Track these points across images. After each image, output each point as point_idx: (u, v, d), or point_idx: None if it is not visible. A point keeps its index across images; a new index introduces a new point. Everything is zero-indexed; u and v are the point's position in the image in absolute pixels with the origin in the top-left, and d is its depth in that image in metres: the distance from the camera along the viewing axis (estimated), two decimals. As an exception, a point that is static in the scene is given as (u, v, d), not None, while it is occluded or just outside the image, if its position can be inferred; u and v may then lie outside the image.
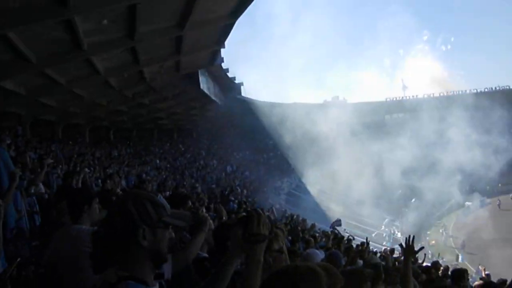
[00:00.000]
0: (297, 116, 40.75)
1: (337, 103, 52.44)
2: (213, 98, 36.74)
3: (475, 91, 56.26)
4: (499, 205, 45.59)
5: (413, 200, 45.30)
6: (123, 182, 18.18)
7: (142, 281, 1.96)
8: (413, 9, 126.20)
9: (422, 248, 4.98)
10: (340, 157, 40.49)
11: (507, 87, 57.03)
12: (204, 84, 32.91)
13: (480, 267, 20.93)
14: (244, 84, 42.12)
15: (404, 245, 4.47)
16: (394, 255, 16.98)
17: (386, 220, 43.22)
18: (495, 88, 57.15)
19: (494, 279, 10.73)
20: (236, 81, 40.65)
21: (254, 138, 48.69)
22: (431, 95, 56.97)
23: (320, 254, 8.51)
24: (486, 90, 56.63)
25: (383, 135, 46.37)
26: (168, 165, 35.66)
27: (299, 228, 18.10)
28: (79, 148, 27.76)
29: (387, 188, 43.67)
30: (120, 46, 19.91)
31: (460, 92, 56.58)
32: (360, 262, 7.95)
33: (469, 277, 9.19)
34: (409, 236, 4.45)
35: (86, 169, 12.87)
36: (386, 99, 59.22)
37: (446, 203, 46.88)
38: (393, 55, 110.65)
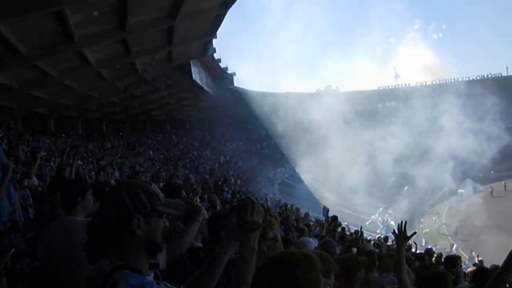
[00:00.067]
0: (289, 105, 40.73)
1: (330, 92, 52.44)
2: (206, 88, 36.67)
3: (467, 79, 56.35)
4: (491, 192, 45.88)
5: (406, 188, 45.49)
6: (117, 174, 18.15)
7: (137, 270, 1.96)
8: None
9: (414, 233, 4.99)
10: (333, 146, 40.61)
11: (499, 75, 57.20)
12: (197, 74, 32.84)
13: (473, 253, 21.09)
14: (236, 74, 42.10)
15: (396, 231, 4.48)
16: (388, 243, 17.09)
17: (380, 209, 43.34)
18: (487, 75, 57.29)
19: (487, 265, 10.82)
20: (229, 72, 40.59)
21: (247, 128, 48.65)
22: (424, 83, 57.07)
23: (313, 242, 8.55)
24: (478, 78, 56.76)
25: (376, 124, 46.55)
26: (161, 156, 35.60)
27: (293, 217, 18.12)
28: (71, 141, 27.66)
29: (380, 176, 43.87)
30: (111, 38, 19.84)
31: (452, 80, 56.65)
32: (354, 250, 8.00)
33: (462, 264, 9.27)
34: (402, 222, 4.46)
35: (79, 161, 12.83)
36: (379, 87, 59.32)
37: (439, 190, 47.11)
38: (385, 43, 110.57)
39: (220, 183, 27.65)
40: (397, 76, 64.59)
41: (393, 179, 47.25)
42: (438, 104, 48.28)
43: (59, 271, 3.62)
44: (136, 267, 1.99)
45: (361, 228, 11.60)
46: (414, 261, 10.26)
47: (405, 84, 58.35)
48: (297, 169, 45.70)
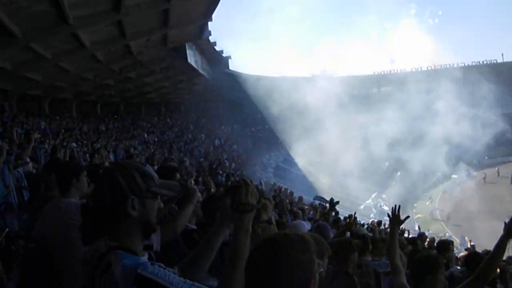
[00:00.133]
0: (285, 89, 40.59)
1: (325, 76, 52.30)
2: (201, 71, 36.52)
3: (463, 65, 56.27)
4: (484, 178, 46.10)
5: (398, 173, 45.68)
6: (111, 157, 18.17)
7: (132, 251, 1.98)
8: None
9: (407, 217, 5.01)
10: (327, 130, 40.57)
11: (495, 61, 57.14)
12: (192, 57, 32.69)
13: (466, 238, 21.25)
14: (231, 57, 41.88)
15: (390, 214, 4.51)
16: (381, 227, 17.21)
17: (374, 194, 43.51)
18: (483, 62, 57.20)
19: (479, 250, 10.91)
20: (224, 55, 40.39)
21: (242, 111, 48.53)
22: (419, 69, 57.00)
23: (306, 225, 8.60)
24: (473, 64, 56.68)
25: (371, 108, 46.49)
26: (156, 139, 35.56)
27: (287, 201, 18.20)
28: (66, 123, 27.59)
29: (374, 161, 43.97)
30: (106, 20, 19.72)
31: (448, 66, 56.51)
32: (347, 233, 8.05)
33: (454, 249, 9.34)
34: (395, 206, 4.48)
35: (74, 144, 12.82)
36: (374, 72, 59.23)
37: (433, 175, 47.30)
38: (381, 28, 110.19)
39: (214, 166, 27.71)
40: (392, 61, 64.57)
41: (387, 163, 47.41)
42: (433, 89, 48.26)
43: (54, 252, 3.63)
44: (131, 248, 2.00)
45: (354, 213, 11.66)
46: (406, 245, 10.33)
47: (401, 69, 58.21)
48: (291, 153, 45.73)
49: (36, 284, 3.81)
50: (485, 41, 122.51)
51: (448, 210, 38.90)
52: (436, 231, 32.09)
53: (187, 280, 1.91)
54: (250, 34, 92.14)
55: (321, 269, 1.78)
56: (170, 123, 43.60)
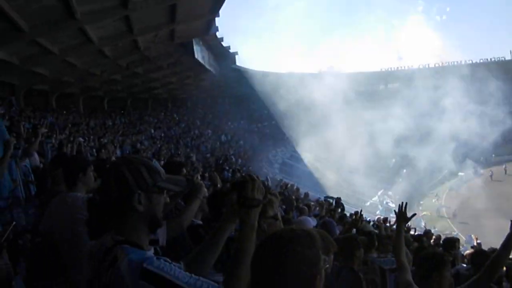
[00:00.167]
0: (291, 85, 40.54)
1: (332, 73, 52.13)
2: (208, 67, 36.55)
3: (471, 62, 55.94)
4: (491, 176, 45.90)
5: (405, 170, 45.53)
6: (118, 152, 18.21)
7: (138, 245, 1.98)
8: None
9: (414, 215, 5.00)
10: (334, 127, 40.48)
11: (503, 59, 56.75)
12: (199, 53, 32.73)
13: (472, 236, 21.16)
14: (238, 53, 41.88)
15: (397, 212, 4.50)
16: (387, 224, 17.16)
17: (380, 191, 43.42)
18: (491, 59, 56.79)
19: (485, 248, 10.88)
20: (231, 51, 40.38)
21: (249, 107, 48.57)
22: (426, 66, 56.69)
23: (312, 222, 8.59)
24: (481, 61, 56.29)
25: (378, 105, 46.31)
26: (163, 135, 35.67)
27: (293, 197, 18.19)
28: (73, 118, 27.68)
29: (381, 158, 43.85)
30: (114, 15, 19.73)
31: (456, 63, 56.20)
32: (353, 230, 8.04)
33: (460, 246, 9.31)
34: (402, 203, 4.47)
35: (80, 139, 12.85)
36: (381, 69, 58.99)
37: (440, 173, 47.11)
38: (388, 25, 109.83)
39: (221, 162, 27.73)
40: (400, 58, 64.31)
41: (393, 160, 47.29)
42: (441, 86, 48.01)
43: (61, 246, 3.65)
44: (137, 242, 2.01)
45: (361, 210, 11.65)
46: (412, 242, 10.31)
47: (408, 66, 57.97)
48: (298, 149, 45.69)
49: (43, 278, 3.83)
50: (493, 38, 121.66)
51: (454, 208, 38.73)
52: (442, 228, 31.99)
53: (193, 275, 1.92)
54: (257, 30, 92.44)
55: (327, 265, 1.78)
56: (177, 118, 43.69)
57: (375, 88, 57.79)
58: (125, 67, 29.14)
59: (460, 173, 47.09)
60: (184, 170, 4.51)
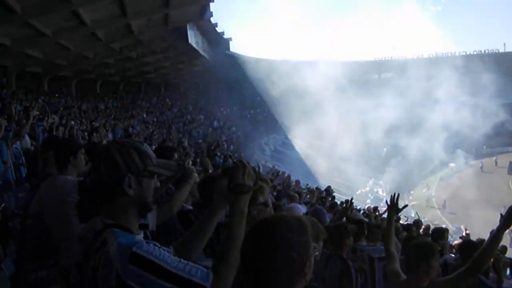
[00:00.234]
0: (285, 73, 40.48)
1: (326, 61, 52.04)
2: (202, 53, 36.42)
3: (464, 53, 56.04)
4: (481, 167, 46.25)
5: (395, 160, 45.67)
6: (110, 135, 18.14)
7: (127, 229, 1.98)
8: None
9: (406, 206, 5.02)
10: (327, 115, 40.46)
11: (497, 51, 56.89)
12: (193, 38, 32.58)
13: (462, 226, 21.30)
14: (232, 39, 41.75)
15: (388, 202, 4.51)
16: (377, 213, 17.24)
17: (371, 180, 43.56)
18: (485, 51, 56.90)
19: (474, 238, 10.97)
20: (225, 37, 40.23)
21: (242, 94, 48.46)
22: (420, 56, 56.74)
23: (302, 209, 8.63)
24: (475, 53, 56.41)
25: (371, 94, 46.37)
26: (155, 119, 35.57)
27: (284, 184, 18.23)
28: (65, 101, 27.55)
29: (373, 147, 43.99)
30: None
31: (450, 54, 56.31)
32: (343, 218, 8.08)
33: (449, 236, 9.38)
34: (394, 194, 4.49)
35: (72, 122, 12.79)
36: (375, 58, 58.98)
37: (431, 163, 47.31)
38: (382, 14, 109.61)
39: (212, 147, 27.66)
40: (394, 48, 64.32)
41: (385, 149, 47.42)
42: (434, 77, 48.13)
43: (50, 228, 3.64)
44: (127, 226, 2.00)
45: (351, 198, 11.68)
46: (401, 231, 10.38)
47: (402, 56, 57.96)
48: (290, 136, 45.68)
49: (32, 260, 3.83)
50: (488, 30, 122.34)
51: (444, 198, 38.94)
52: (432, 218, 32.17)
53: (182, 260, 1.92)
54: (251, 16, 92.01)
55: (317, 253, 1.78)
56: (170, 103, 43.55)
57: (369, 77, 57.85)
58: (118, 51, 28.98)
59: (451, 164, 47.36)
60: (176, 155, 4.51)
